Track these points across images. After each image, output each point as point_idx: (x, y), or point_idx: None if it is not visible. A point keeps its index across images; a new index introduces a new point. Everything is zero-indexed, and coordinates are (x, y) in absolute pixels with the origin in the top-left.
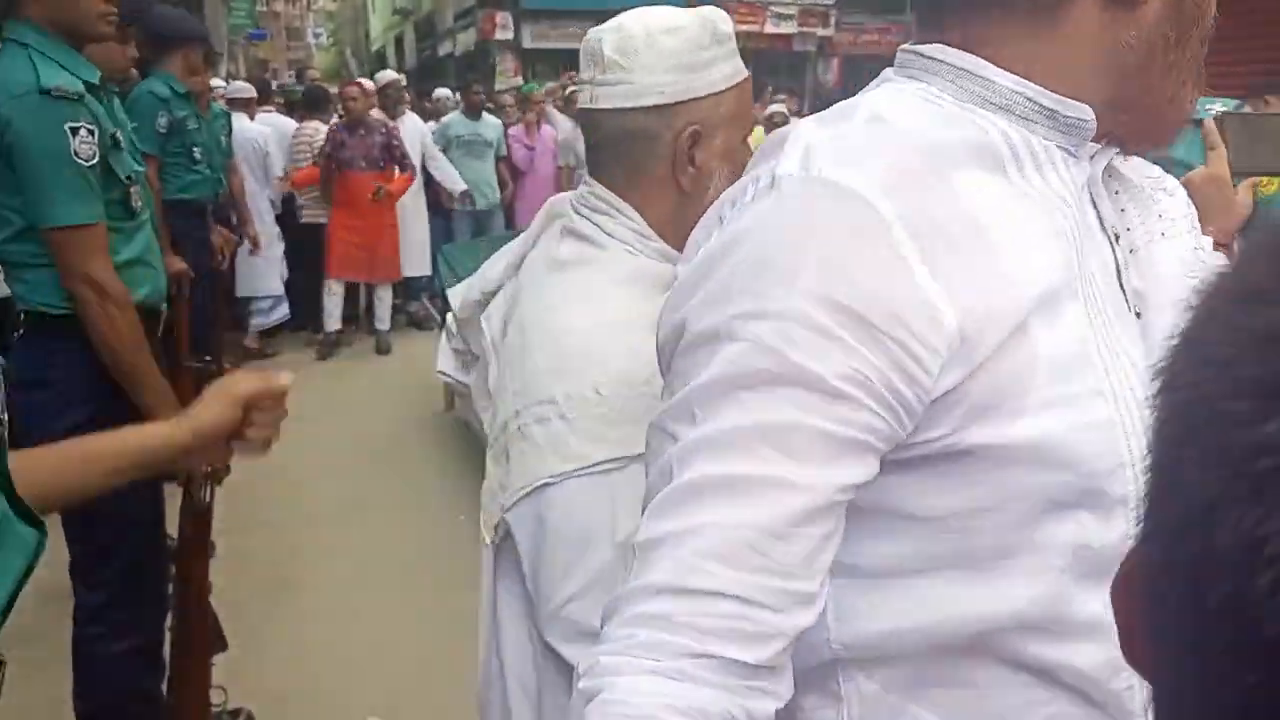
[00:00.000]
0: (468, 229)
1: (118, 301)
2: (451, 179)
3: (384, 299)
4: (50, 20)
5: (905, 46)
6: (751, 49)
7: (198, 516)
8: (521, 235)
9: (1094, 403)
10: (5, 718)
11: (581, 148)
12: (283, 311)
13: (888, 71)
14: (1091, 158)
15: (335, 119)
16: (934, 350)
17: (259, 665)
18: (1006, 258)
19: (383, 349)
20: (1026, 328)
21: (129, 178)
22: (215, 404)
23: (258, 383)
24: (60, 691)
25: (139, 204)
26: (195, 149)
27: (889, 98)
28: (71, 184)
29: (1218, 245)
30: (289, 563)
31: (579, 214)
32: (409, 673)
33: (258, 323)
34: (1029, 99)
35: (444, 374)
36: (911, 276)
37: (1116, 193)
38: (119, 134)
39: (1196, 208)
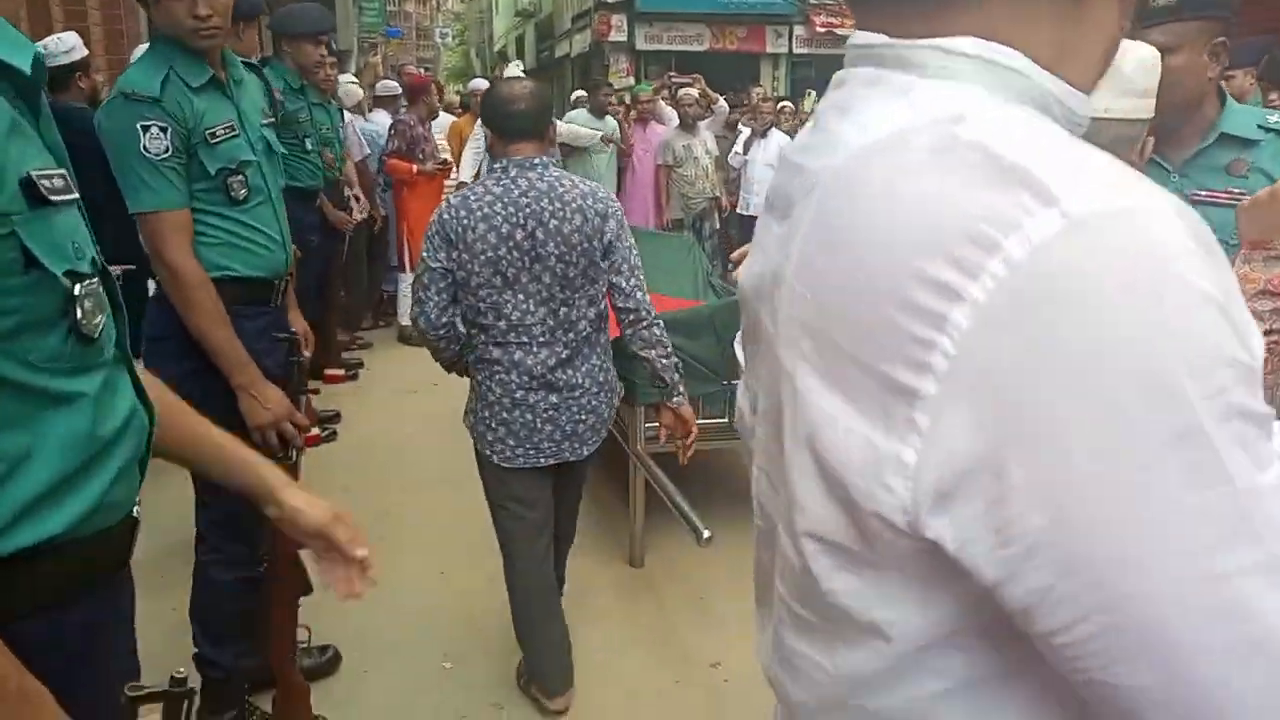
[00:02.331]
0: None
1: (189, 281)
2: (584, 137)
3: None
4: (164, 30)
5: (906, 43)
6: None
7: (286, 471)
8: None
9: None
10: (139, 623)
11: (679, 146)
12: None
13: (869, 73)
14: None
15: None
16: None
17: (343, 609)
18: None
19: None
20: None
21: (226, 169)
22: (318, 506)
23: (346, 532)
24: (182, 612)
25: (244, 191)
26: (306, 139)
27: (971, 103)
28: (143, 175)
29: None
30: (381, 522)
31: None
32: (485, 627)
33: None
34: (1061, 102)
35: None
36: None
37: None
38: (218, 129)
39: (1266, 223)
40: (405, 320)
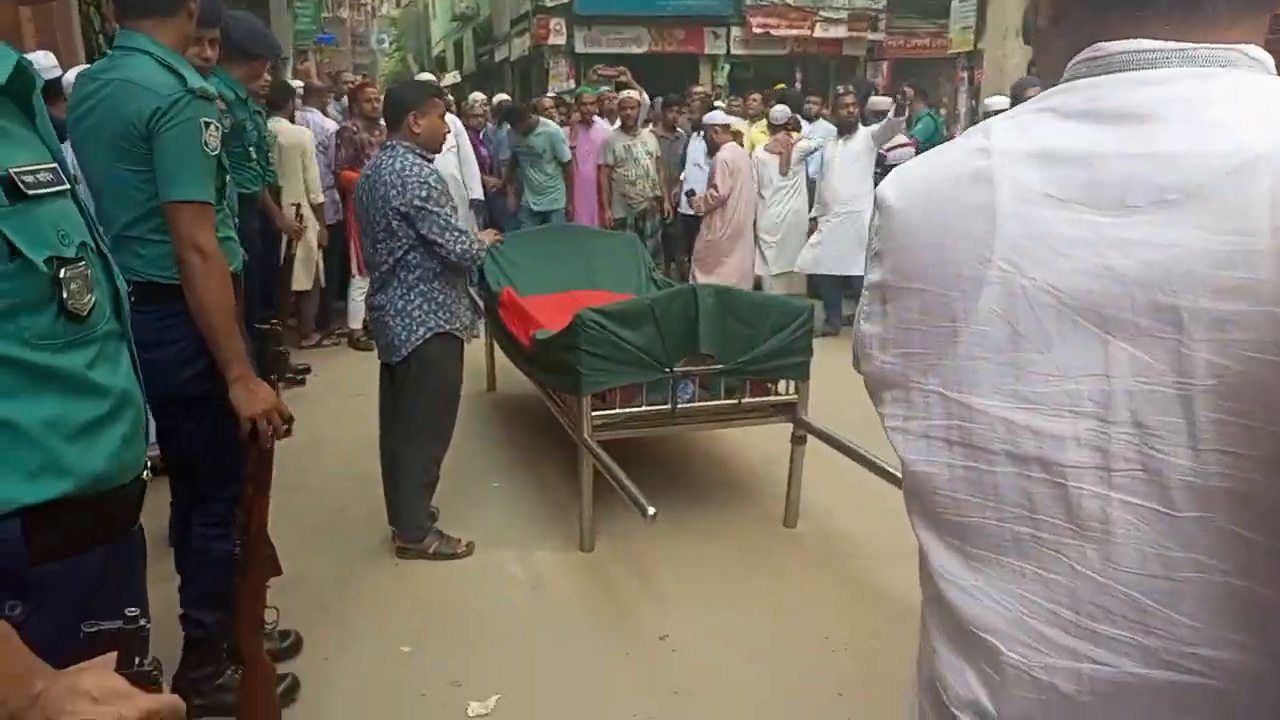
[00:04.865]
0: (533, 226)
1: (224, 270)
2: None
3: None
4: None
5: (1220, 46)
6: (800, 53)
7: (262, 457)
8: None
9: None
10: None
11: (620, 146)
12: None
13: (1193, 70)
14: None
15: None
16: None
17: (305, 597)
18: None
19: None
20: None
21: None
22: None
23: None
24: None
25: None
26: (250, 148)
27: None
28: (202, 168)
29: None
30: (337, 519)
31: None
32: (441, 613)
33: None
34: None
35: None
36: None
37: None
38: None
39: None
40: (355, 324)
